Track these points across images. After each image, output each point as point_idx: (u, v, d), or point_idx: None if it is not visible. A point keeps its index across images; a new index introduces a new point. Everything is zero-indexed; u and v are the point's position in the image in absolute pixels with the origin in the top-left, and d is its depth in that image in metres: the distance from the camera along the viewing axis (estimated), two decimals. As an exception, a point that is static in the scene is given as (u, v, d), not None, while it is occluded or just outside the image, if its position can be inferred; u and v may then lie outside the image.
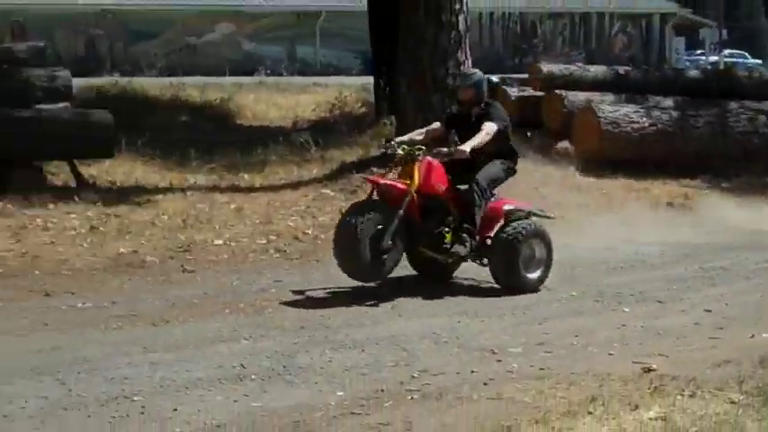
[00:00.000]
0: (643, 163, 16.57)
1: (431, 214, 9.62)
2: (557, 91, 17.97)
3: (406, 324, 8.52)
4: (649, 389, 6.79)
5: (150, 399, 6.51)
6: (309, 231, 12.06)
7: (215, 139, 16.98)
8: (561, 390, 6.82)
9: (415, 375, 7.11)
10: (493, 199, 9.91)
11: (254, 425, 6.09)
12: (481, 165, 9.78)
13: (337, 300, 9.26)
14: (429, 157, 9.62)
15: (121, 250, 10.97)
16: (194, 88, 24.69)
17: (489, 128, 9.75)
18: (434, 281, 10.06)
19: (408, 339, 8.00)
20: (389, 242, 9.31)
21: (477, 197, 9.66)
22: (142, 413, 6.28)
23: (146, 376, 6.94)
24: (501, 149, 10.02)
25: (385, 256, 9.36)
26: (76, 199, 12.70)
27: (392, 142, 9.95)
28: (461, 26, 15.88)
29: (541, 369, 7.35)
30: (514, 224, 9.88)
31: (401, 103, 15.99)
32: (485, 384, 6.97)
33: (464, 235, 9.67)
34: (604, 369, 7.31)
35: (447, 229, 9.65)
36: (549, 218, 10.48)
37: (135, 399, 6.49)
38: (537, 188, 14.86)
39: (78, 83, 16.27)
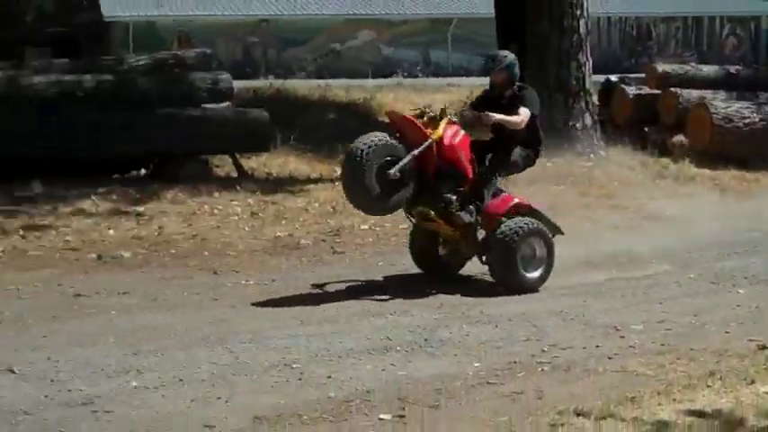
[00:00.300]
0: (754, 155, 16.12)
1: (445, 179, 8.56)
2: (672, 89, 17.58)
3: (536, 303, 8.43)
4: (764, 365, 6.65)
5: (307, 366, 6.59)
6: (445, 218, 12.05)
7: (359, 135, 17.02)
8: (681, 364, 6.72)
9: (545, 349, 7.07)
10: (503, 194, 8.97)
11: (399, 391, 6.12)
12: (509, 149, 8.89)
13: (472, 279, 9.19)
14: (458, 126, 8.69)
15: (278, 234, 11.10)
16: (340, 89, 24.78)
17: (525, 114, 8.74)
18: (439, 279, 9.08)
19: (538, 316, 7.93)
20: (397, 173, 8.23)
21: (489, 175, 8.79)
22: (300, 379, 6.37)
23: (303, 346, 7.03)
24: (528, 137, 8.97)
25: (391, 190, 8.31)
26: (238, 188, 12.92)
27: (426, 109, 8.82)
28: (582, 30, 15.74)
29: (662, 345, 7.24)
30: (514, 221, 8.74)
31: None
32: (609, 358, 6.89)
33: (471, 207, 8.64)
34: (721, 346, 7.18)
35: (456, 196, 8.60)
36: (558, 232, 9.14)
37: (294, 366, 6.58)
38: (654, 179, 14.65)
39: (237, 85, 16.46)
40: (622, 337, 7.44)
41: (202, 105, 13.88)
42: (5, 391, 5.99)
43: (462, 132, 8.72)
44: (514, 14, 17.39)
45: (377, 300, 8.45)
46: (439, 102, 22.61)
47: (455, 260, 9.25)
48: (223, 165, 14.35)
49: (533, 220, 8.87)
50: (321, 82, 26.46)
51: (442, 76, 34.68)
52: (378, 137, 8.39)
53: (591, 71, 16.15)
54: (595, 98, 16.93)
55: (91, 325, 7.60)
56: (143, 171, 13.76)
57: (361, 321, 7.74)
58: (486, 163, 8.86)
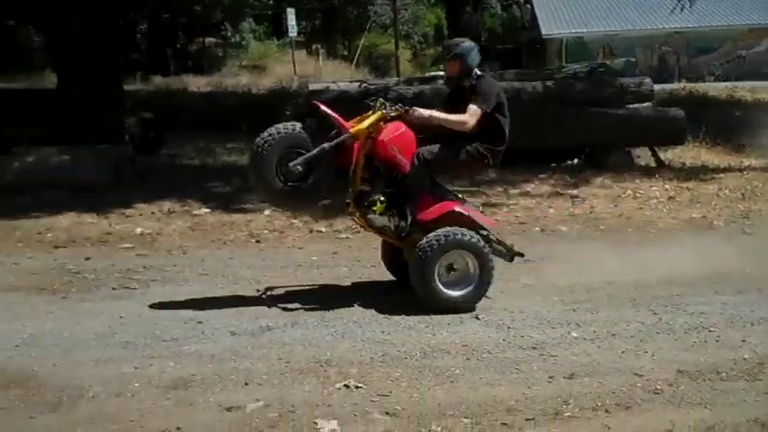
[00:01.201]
0: None
1: (380, 178, 6.66)
2: None
3: None
4: None
5: (723, 331, 6.24)
6: None
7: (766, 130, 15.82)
8: None
9: None
10: (445, 200, 6.77)
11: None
12: (453, 145, 6.74)
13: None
14: (405, 126, 6.63)
15: (693, 215, 10.60)
16: (745, 90, 23.32)
17: (472, 111, 6.59)
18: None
19: None
20: (298, 167, 6.36)
21: (419, 176, 6.66)
22: (717, 341, 6.04)
23: (718, 312, 6.66)
24: (485, 132, 6.75)
25: (299, 184, 6.44)
26: (657, 176, 12.55)
27: (381, 100, 6.73)
28: None
29: None
30: (440, 231, 6.51)
31: None
32: None
33: (394, 210, 6.69)
34: None
35: (383, 198, 6.66)
36: (515, 254, 7.19)
37: (711, 330, 6.26)
38: None
39: (656, 88, 15.94)
40: None
41: (627, 106, 13.60)
42: (474, 334, 6.21)
43: (409, 133, 6.68)
44: None
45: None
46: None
47: None
48: (643, 156, 13.98)
49: (466, 231, 6.59)
50: (728, 84, 24.97)
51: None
52: (283, 127, 6.54)
53: None
54: None
55: (538, 283, 7.60)
56: (576, 160, 13.73)
57: (769, 294, 7.17)
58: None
